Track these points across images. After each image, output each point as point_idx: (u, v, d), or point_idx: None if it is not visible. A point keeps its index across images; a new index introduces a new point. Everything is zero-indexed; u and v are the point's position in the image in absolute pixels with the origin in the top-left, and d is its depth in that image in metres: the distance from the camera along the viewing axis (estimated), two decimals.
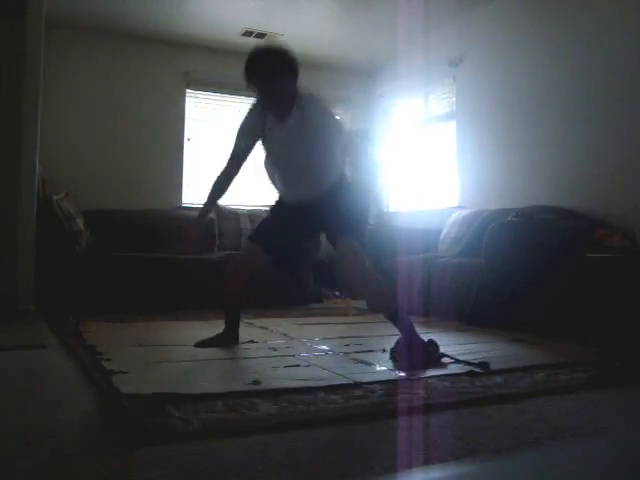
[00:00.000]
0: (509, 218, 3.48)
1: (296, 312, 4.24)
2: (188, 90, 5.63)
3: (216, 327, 2.77)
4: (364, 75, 6.32)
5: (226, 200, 5.47)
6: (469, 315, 3.57)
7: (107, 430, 1.46)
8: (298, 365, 2.15)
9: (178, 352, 2.51)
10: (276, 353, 2.45)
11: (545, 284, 3.16)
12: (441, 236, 4.66)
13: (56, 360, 2.41)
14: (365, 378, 1.92)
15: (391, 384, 1.88)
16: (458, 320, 3.60)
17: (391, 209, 6.22)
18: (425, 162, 5.78)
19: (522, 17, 4.57)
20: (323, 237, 2.63)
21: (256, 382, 1.84)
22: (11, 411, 1.62)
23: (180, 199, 5.55)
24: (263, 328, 3.29)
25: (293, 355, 2.37)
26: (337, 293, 5.70)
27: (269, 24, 5.18)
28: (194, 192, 5.63)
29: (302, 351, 2.48)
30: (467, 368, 2.10)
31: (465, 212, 4.56)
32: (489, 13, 4.86)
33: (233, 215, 5.30)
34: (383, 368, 2.13)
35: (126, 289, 4.13)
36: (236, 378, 1.98)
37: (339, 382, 1.86)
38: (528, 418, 1.57)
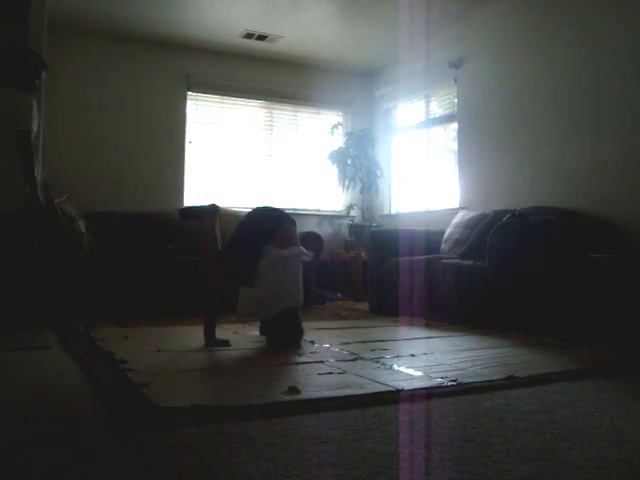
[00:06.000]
0: (504, 219, 3.49)
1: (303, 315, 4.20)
2: (189, 92, 5.58)
3: (223, 330, 2.73)
4: (364, 77, 6.32)
5: (227, 202, 5.48)
6: (473, 318, 3.57)
7: (108, 430, 1.46)
8: (331, 372, 2.12)
9: (199, 359, 2.48)
10: (304, 359, 2.42)
11: (548, 285, 3.16)
12: (444, 237, 4.67)
13: (59, 360, 2.41)
14: (406, 385, 1.90)
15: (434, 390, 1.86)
16: (461, 322, 3.60)
17: (393, 210, 6.24)
18: (427, 164, 5.79)
19: (522, 18, 4.60)
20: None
21: (293, 389, 1.82)
22: (13, 410, 1.64)
23: (181, 201, 5.50)
24: None
25: (322, 362, 2.34)
26: (339, 295, 5.70)
27: (270, 26, 5.15)
28: (195, 194, 5.58)
29: (329, 357, 2.45)
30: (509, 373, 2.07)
31: (470, 214, 4.56)
32: (490, 14, 4.89)
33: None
34: (420, 373, 2.11)
35: (128, 291, 4.12)
36: (271, 386, 1.94)
37: (381, 390, 1.84)
38: None
